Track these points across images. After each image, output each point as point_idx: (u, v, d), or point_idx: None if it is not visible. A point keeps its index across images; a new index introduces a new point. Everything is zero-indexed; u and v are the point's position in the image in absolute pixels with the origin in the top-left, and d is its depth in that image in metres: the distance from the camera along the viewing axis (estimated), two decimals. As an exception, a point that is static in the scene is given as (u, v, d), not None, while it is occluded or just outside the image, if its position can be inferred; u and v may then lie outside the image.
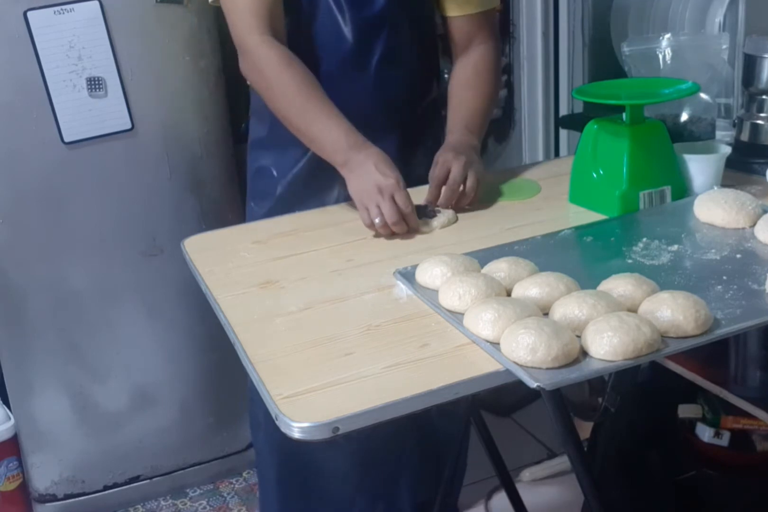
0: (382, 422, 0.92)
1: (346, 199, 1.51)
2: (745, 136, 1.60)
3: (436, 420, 1.82)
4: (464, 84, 1.63)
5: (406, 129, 1.63)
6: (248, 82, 1.58)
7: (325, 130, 1.44)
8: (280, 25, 1.51)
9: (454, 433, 1.78)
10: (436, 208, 1.45)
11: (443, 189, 1.46)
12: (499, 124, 2.80)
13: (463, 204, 1.47)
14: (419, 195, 1.47)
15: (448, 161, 1.47)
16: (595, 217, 1.41)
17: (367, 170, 1.40)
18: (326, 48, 1.55)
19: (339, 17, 1.54)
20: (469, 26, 1.63)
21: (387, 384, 0.96)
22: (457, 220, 1.44)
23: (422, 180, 1.51)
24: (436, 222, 1.42)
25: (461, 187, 1.46)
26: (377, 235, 1.40)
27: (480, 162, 1.51)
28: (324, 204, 1.60)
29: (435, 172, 1.47)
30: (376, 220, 1.37)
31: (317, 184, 1.62)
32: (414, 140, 1.65)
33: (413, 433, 1.82)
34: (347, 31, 1.54)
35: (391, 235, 1.39)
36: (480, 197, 1.52)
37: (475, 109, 1.60)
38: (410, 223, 1.38)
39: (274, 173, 1.66)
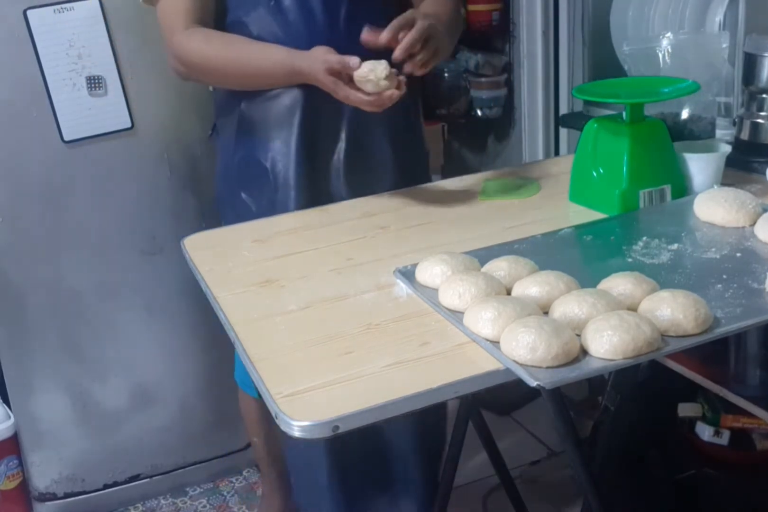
0: (382, 421, 0.92)
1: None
2: (745, 135, 1.60)
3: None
4: (434, 3, 1.59)
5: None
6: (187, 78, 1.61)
7: (262, 60, 1.49)
8: (210, 17, 1.56)
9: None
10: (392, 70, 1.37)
11: (404, 35, 1.38)
12: (499, 122, 2.81)
13: (418, 62, 1.40)
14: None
15: (416, 15, 1.41)
16: (595, 215, 1.41)
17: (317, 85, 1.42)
18: (292, 10, 1.54)
19: None
20: None
21: (387, 382, 0.96)
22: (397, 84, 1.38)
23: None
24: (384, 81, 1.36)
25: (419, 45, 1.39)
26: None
27: (446, 44, 1.47)
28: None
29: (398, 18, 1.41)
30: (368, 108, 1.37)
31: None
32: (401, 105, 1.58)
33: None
34: None
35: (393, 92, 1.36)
36: (478, 195, 1.53)
37: (448, 18, 1.55)
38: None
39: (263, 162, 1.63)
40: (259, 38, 1.54)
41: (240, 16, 1.57)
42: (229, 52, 1.51)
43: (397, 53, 1.37)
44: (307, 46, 1.46)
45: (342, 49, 1.44)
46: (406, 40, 1.37)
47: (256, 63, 1.51)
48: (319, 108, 1.56)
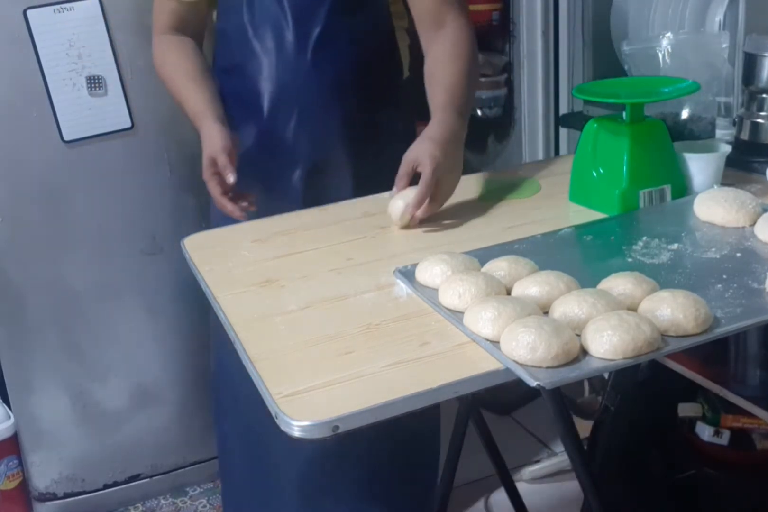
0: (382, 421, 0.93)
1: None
2: (745, 135, 1.60)
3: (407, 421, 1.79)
4: (443, 60, 1.54)
5: (355, 116, 1.61)
6: None
7: (185, 104, 1.59)
8: (195, 25, 1.64)
9: (428, 435, 1.80)
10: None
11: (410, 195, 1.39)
12: (499, 122, 2.81)
13: (427, 213, 1.40)
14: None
15: (430, 168, 1.38)
16: (595, 215, 1.41)
17: None
18: (265, 28, 1.56)
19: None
20: (437, 3, 1.56)
21: (387, 382, 0.96)
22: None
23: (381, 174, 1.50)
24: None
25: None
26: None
27: (459, 153, 1.45)
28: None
29: (402, 172, 1.42)
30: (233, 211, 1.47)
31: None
32: (368, 126, 1.63)
33: (388, 437, 1.78)
34: (285, 8, 1.54)
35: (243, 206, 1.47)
36: (479, 195, 1.53)
37: (458, 84, 1.51)
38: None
39: None
40: (239, 53, 1.59)
41: (225, 25, 1.61)
42: (172, 78, 1.63)
43: (410, 215, 1.38)
44: (276, 69, 1.55)
45: (307, 78, 1.54)
46: (413, 204, 1.38)
47: (181, 99, 1.61)
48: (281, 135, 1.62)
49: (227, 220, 1.54)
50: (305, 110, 1.58)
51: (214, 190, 1.50)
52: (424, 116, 1.54)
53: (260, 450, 1.77)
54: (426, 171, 1.38)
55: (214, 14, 1.66)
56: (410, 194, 1.39)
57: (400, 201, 1.39)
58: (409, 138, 1.53)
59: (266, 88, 1.58)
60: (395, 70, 1.69)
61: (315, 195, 1.61)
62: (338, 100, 1.58)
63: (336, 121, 1.59)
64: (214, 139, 1.49)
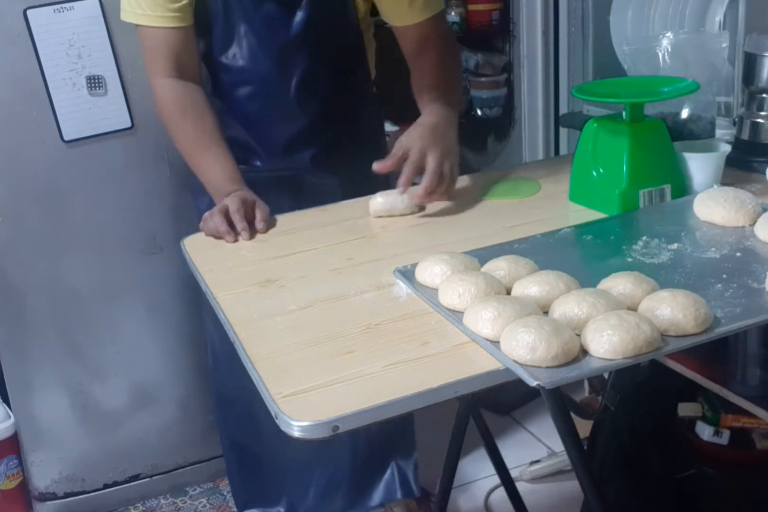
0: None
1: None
2: (745, 135, 1.60)
3: None
4: (430, 69, 1.60)
5: (336, 128, 1.68)
6: None
7: (205, 175, 1.58)
8: (191, 62, 1.60)
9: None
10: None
11: (424, 179, 1.44)
12: (499, 122, 2.81)
13: (442, 196, 1.45)
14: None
15: (418, 146, 1.45)
16: (595, 215, 1.41)
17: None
18: (246, 71, 1.61)
19: (256, 42, 1.57)
20: (418, 34, 1.61)
21: (387, 382, 0.96)
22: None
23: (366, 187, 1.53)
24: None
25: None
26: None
27: (452, 135, 1.50)
28: None
29: (392, 153, 1.47)
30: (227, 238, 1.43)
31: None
32: (350, 133, 1.70)
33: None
34: (266, 55, 1.58)
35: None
36: (478, 195, 1.53)
37: (444, 85, 1.58)
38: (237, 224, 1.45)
39: None
40: (232, 83, 1.63)
41: (218, 58, 1.63)
42: (190, 141, 1.60)
43: (417, 200, 1.45)
44: (261, 109, 1.61)
45: (292, 115, 1.62)
46: (421, 193, 1.43)
47: (197, 168, 1.60)
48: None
49: None
50: (291, 136, 1.65)
51: (215, 222, 1.47)
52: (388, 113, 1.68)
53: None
54: (430, 163, 1.44)
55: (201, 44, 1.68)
56: (392, 192, 1.47)
57: (379, 198, 1.45)
58: (380, 129, 1.66)
59: (255, 116, 1.64)
60: (367, 80, 1.75)
61: (302, 200, 1.65)
62: (320, 123, 1.66)
63: (319, 137, 1.67)
64: (234, 194, 1.50)
